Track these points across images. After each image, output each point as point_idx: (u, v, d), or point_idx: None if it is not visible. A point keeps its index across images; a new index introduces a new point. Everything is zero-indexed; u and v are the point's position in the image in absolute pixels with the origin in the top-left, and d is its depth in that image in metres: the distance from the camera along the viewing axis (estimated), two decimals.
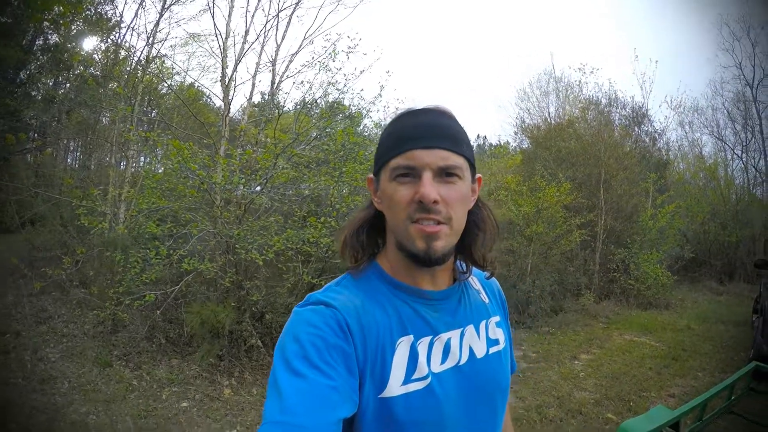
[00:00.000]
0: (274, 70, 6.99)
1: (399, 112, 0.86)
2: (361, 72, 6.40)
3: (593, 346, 6.71)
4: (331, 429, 0.66)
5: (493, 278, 1.01)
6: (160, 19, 7.35)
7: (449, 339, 0.84)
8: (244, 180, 5.05)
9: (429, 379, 0.79)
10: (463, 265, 0.93)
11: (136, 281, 4.54)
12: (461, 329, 0.87)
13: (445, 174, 0.79)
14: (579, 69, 14.56)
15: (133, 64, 7.30)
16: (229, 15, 6.64)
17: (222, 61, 6.51)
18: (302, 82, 6.69)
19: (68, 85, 9.64)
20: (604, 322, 8.07)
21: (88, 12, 7.95)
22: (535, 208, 7.94)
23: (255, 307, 4.91)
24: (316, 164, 6.10)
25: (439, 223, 0.78)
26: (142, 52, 7.40)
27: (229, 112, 6.40)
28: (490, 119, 60.36)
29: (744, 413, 3.04)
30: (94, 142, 9.59)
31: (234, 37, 6.69)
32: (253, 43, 6.82)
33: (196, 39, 8.11)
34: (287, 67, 6.99)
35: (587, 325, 7.81)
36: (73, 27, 8.43)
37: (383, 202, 0.83)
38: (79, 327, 5.31)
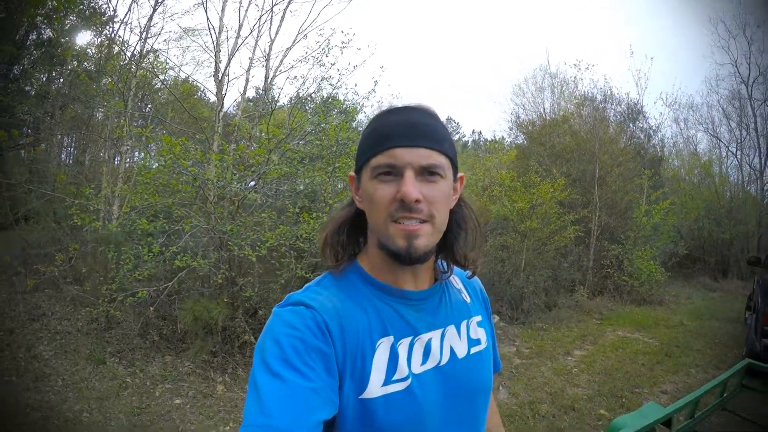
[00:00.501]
0: (267, 64, 6.96)
1: (381, 109, 0.86)
2: (354, 67, 6.40)
3: (586, 342, 6.75)
4: (312, 431, 0.66)
5: (475, 277, 1.01)
6: (153, 13, 7.29)
7: (430, 339, 0.84)
8: (237, 176, 5.03)
9: (409, 380, 0.79)
10: (445, 264, 0.92)
11: (129, 278, 4.53)
12: (442, 329, 0.87)
13: (428, 173, 0.78)
14: (575, 65, 14.64)
15: (127, 59, 7.25)
16: (223, 9, 6.60)
17: (215, 55, 6.47)
18: (296, 77, 6.65)
19: (61, 80, 9.58)
20: (598, 318, 8.13)
21: (81, 6, 7.87)
22: (529, 204, 7.95)
23: (248, 303, 4.91)
24: (310, 159, 6.09)
25: (421, 221, 0.77)
26: (135, 47, 7.36)
27: (222, 107, 6.36)
28: (485, 114, 60.25)
29: (737, 410, 3.06)
30: (87, 138, 9.53)
31: (227, 31, 6.66)
32: (246, 37, 6.78)
33: (189, 33, 8.07)
34: (281, 61, 6.96)
35: (581, 321, 7.86)
36: (66, 22, 8.36)
37: (364, 201, 0.83)
38: (72, 324, 5.30)
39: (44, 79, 9.59)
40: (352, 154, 5.42)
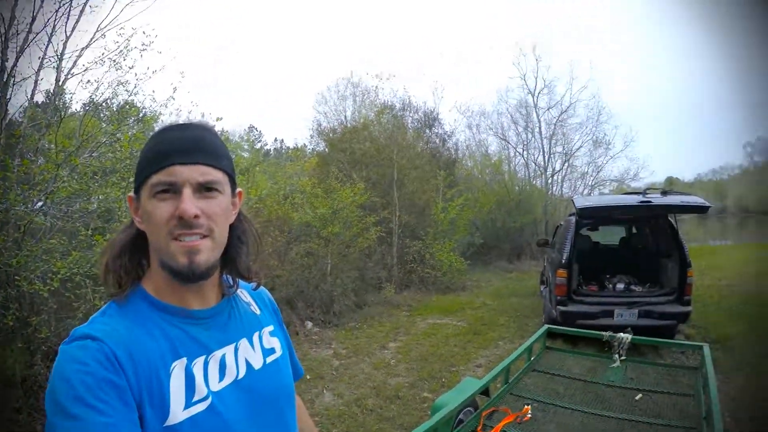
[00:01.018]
0: (60, 65, 5.92)
1: (160, 127, 0.85)
2: (153, 72, 5.82)
3: (400, 334, 7.06)
4: None
5: (262, 288, 1.03)
6: None
7: (224, 355, 0.84)
8: (21, 196, 4.21)
9: (210, 399, 0.78)
10: (230, 279, 0.94)
11: None
12: (234, 344, 0.88)
13: (205, 189, 0.79)
14: (376, 76, 15.63)
15: None
16: None
17: (2, 52, 5.29)
18: (89, 81, 5.78)
19: None
20: (407, 311, 8.57)
21: None
22: (330, 210, 8.08)
23: (45, 345, 4.12)
24: (103, 174, 5.39)
25: (201, 237, 0.78)
26: None
27: (6, 114, 5.24)
28: (286, 122, 61.82)
29: (545, 369, 3.41)
30: None
31: (18, 25, 5.50)
32: (39, 33, 5.66)
33: None
34: (74, 62, 5.98)
35: (391, 315, 8.20)
36: None
37: (144, 221, 0.81)
38: None
39: None
40: None
